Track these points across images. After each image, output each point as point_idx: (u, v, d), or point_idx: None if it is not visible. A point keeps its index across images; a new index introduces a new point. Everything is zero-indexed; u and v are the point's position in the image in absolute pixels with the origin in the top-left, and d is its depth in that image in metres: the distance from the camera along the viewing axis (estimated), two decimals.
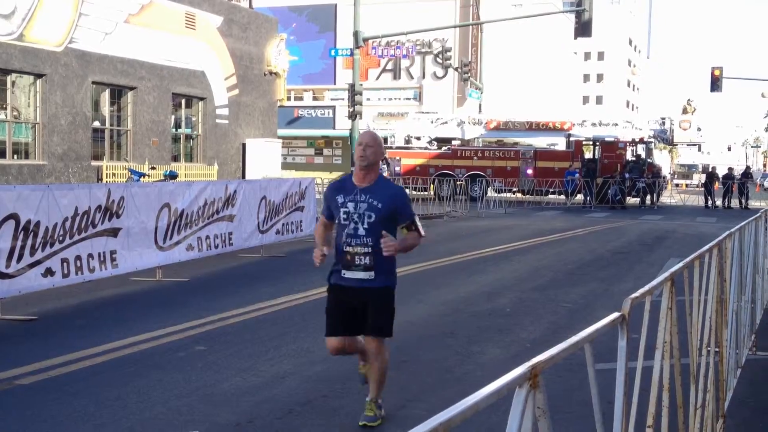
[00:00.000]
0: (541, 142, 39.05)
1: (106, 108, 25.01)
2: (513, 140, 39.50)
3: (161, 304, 9.43)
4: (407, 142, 38.86)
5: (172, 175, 22.50)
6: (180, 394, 5.88)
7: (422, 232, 5.40)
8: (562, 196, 35.15)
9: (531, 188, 34.97)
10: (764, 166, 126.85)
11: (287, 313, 8.97)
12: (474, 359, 7.12)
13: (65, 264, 9.10)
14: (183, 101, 27.84)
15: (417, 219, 5.38)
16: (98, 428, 5.15)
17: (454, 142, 38.58)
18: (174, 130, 27.51)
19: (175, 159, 27.50)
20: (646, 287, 2.92)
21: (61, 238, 9.03)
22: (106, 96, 24.77)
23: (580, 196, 34.16)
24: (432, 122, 39.43)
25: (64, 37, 22.44)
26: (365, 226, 5.15)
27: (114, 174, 23.98)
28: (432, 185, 33.83)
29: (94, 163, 23.87)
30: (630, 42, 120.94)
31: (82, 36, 22.97)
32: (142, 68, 25.24)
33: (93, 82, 23.69)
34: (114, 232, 10.01)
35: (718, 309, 4.76)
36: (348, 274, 5.25)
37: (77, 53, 22.87)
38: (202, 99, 28.34)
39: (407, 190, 28.46)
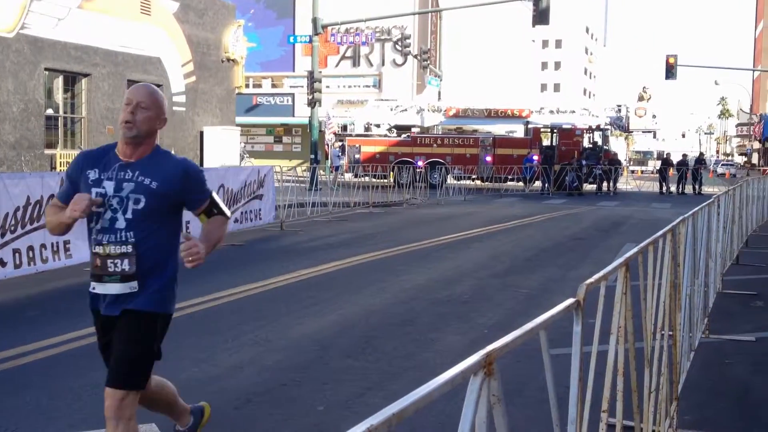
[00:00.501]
0: (499, 129, 39.29)
1: (59, 95, 24.53)
2: (472, 128, 39.66)
3: None
4: (367, 129, 38.81)
5: None
6: None
7: (227, 213, 4.04)
8: (521, 183, 35.43)
9: (490, 175, 35.18)
10: (717, 152, 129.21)
11: (245, 302, 8.91)
12: (432, 346, 7.14)
13: (17, 254, 8.93)
14: None
15: (216, 197, 4.01)
16: (51, 421, 5.06)
17: (413, 130, 38.63)
18: None
19: None
20: (601, 273, 2.94)
21: (12, 228, 8.85)
22: (59, 83, 24.29)
23: (538, 183, 34.47)
24: (391, 110, 39.42)
25: (15, 22, 21.91)
26: (128, 215, 3.65)
27: (68, 163, 23.51)
28: (392, 173, 33.84)
29: (48, 151, 23.42)
30: (587, 30, 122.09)
31: (34, 22, 22.46)
32: (96, 55, 24.78)
33: (46, 69, 23.21)
34: None
35: (671, 293, 4.83)
36: (99, 289, 3.77)
37: (29, 39, 22.37)
38: (158, 86, 27.86)
39: (367, 178, 28.61)
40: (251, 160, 38.00)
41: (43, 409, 5.26)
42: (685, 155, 39.41)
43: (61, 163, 23.35)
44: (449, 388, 1.58)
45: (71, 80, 24.59)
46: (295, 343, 7.11)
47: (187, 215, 4.12)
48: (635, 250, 3.81)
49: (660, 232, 4.59)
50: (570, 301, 2.49)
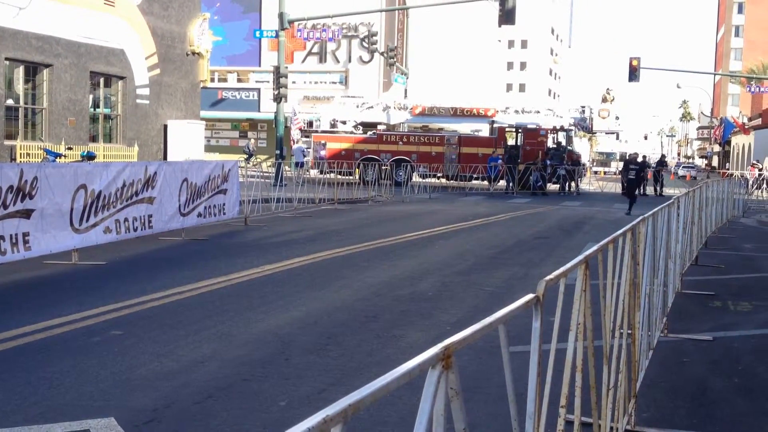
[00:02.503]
0: (465, 128, 39.44)
1: (20, 86, 24.10)
2: (438, 126, 39.77)
3: (76, 288, 9.17)
4: (333, 126, 38.72)
5: (90, 156, 21.89)
6: (94, 379, 5.73)
7: None
8: (486, 182, 35.61)
9: (455, 174, 35.30)
10: (678, 155, 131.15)
11: (208, 296, 8.84)
12: (395, 343, 7.15)
13: None
14: (102, 80, 27.04)
15: None
16: (6, 415, 4.97)
17: (379, 127, 38.62)
18: (92, 109, 26.71)
19: (94, 139, 26.73)
20: (561, 270, 2.97)
21: None
22: (20, 73, 23.87)
23: (502, 182, 34.68)
24: (358, 107, 39.38)
25: None
26: None
27: (28, 154, 23.18)
28: (357, 169, 33.79)
29: (7, 142, 23.01)
30: (552, 31, 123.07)
31: None
32: (58, 45, 24.39)
33: (6, 59, 22.79)
34: (27, 214, 9.68)
35: (630, 292, 4.89)
36: None
37: None
38: (121, 78, 27.59)
39: (332, 175, 28.56)
40: (257, 158, 37.81)
41: None
42: (645, 157, 39.94)
43: (21, 154, 22.96)
44: (406, 381, 1.58)
45: (32, 70, 24.18)
46: (258, 338, 7.08)
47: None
48: (595, 248, 3.85)
49: (620, 231, 4.64)
50: (529, 296, 2.51)
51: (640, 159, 28.24)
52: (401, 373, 1.57)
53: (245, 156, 35.39)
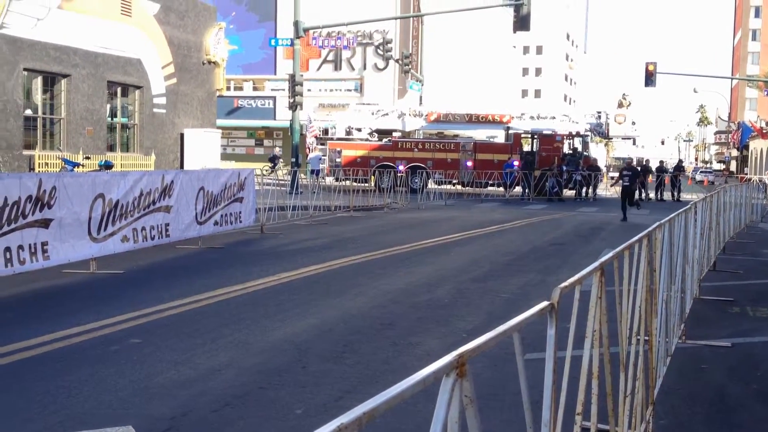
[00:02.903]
0: (480, 134, 39.42)
1: (38, 96, 24.35)
2: (453, 132, 39.77)
3: (95, 297, 9.23)
4: (348, 133, 38.79)
5: (108, 165, 22.07)
6: (112, 388, 5.77)
7: None
8: (501, 188, 35.54)
9: (471, 180, 35.27)
10: (696, 160, 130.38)
11: (225, 305, 8.88)
12: (411, 350, 7.15)
13: None
14: (119, 90, 27.27)
15: None
16: (26, 423, 5.02)
17: (394, 134, 38.67)
18: (110, 119, 26.94)
19: (111, 149, 26.95)
20: (576, 276, 2.97)
21: None
22: (38, 83, 24.11)
23: (518, 188, 34.60)
24: (373, 114, 39.44)
25: None
26: None
27: (47, 164, 23.39)
28: (372, 177, 33.84)
29: (26, 152, 23.24)
30: (568, 36, 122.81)
31: (13, 21, 22.30)
32: (76, 55, 24.63)
33: (25, 69, 23.03)
34: (45, 223, 9.76)
35: (647, 298, 4.87)
36: None
37: (8, 39, 22.19)
38: (138, 88, 27.80)
39: (348, 182, 28.57)
40: (280, 162, 37.98)
41: (18, 411, 5.22)
42: (662, 162, 39.74)
43: (39, 164, 23.17)
44: (421, 388, 1.59)
45: (50, 81, 24.42)
46: (274, 346, 7.10)
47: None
48: (611, 254, 3.84)
49: (636, 237, 4.63)
50: (544, 304, 2.51)
51: (635, 164, 27.10)
52: (415, 381, 1.58)
53: (270, 165, 35.28)
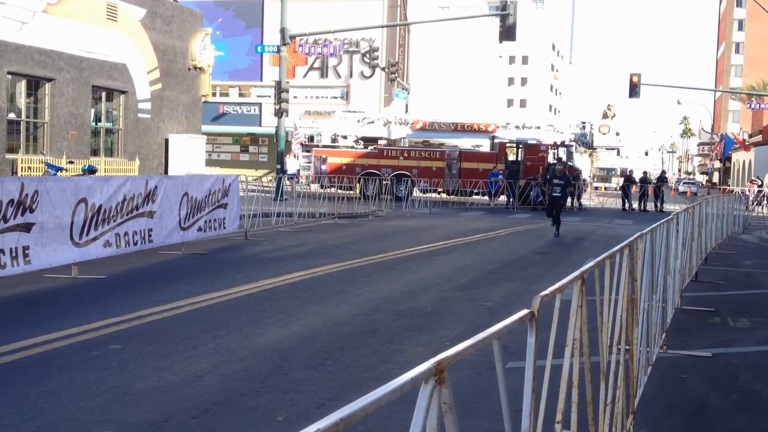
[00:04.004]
0: (466, 143, 39.52)
1: (22, 99, 24.19)
2: (438, 141, 39.84)
3: (76, 302, 9.17)
4: (334, 140, 38.80)
5: (91, 170, 21.95)
6: (92, 393, 5.73)
7: None
8: (486, 197, 35.64)
9: (456, 189, 35.35)
10: (679, 171, 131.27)
11: (207, 311, 8.84)
12: (394, 358, 7.14)
13: None
14: (103, 94, 27.15)
15: None
16: (4, 429, 4.97)
17: (380, 142, 38.70)
18: (94, 123, 26.80)
19: (95, 153, 26.81)
20: (557, 285, 2.98)
21: None
22: (22, 87, 23.96)
23: (503, 197, 34.70)
24: (359, 121, 39.47)
25: None
26: None
27: (30, 168, 23.23)
28: (358, 184, 33.85)
29: (9, 156, 23.07)
30: (553, 47, 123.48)
31: None
32: (60, 59, 24.50)
33: (9, 73, 22.89)
34: (27, 227, 9.70)
35: (628, 308, 4.89)
36: None
37: None
38: (123, 92, 27.69)
39: (333, 189, 28.55)
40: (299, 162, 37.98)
41: None
42: (646, 173, 39.99)
43: (22, 168, 23.02)
44: (398, 395, 1.60)
45: (34, 84, 24.27)
46: (256, 353, 7.07)
47: None
48: (591, 264, 3.86)
49: (617, 247, 4.65)
50: (524, 312, 2.52)
51: (560, 167, 22.77)
52: (393, 388, 1.58)
53: (287, 177, 33.28)
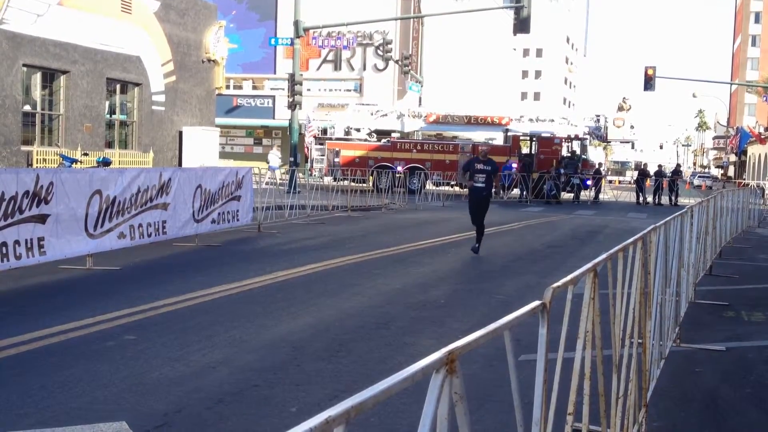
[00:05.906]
0: (479, 136, 39.45)
1: (37, 92, 24.34)
2: (452, 134, 39.80)
3: (90, 293, 9.23)
4: (347, 133, 38.81)
5: (106, 162, 22.06)
6: (107, 383, 5.78)
7: None
8: (499, 191, 35.58)
9: None
10: (694, 164, 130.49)
11: (221, 302, 8.88)
12: (406, 350, 7.16)
13: None
14: (118, 86, 27.26)
15: None
16: (21, 418, 5.03)
17: (393, 135, 38.69)
18: (108, 116, 26.93)
19: (109, 145, 26.94)
20: (569, 277, 2.98)
21: None
22: (37, 79, 24.10)
23: (516, 191, 34.62)
24: (372, 114, 39.47)
25: None
26: None
27: (45, 160, 23.37)
28: (371, 177, 33.86)
29: (24, 148, 23.22)
30: (567, 40, 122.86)
31: (13, 17, 22.28)
32: (75, 52, 24.61)
33: (24, 65, 23.02)
34: (42, 219, 9.76)
35: (641, 301, 4.88)
36: None
37: (8, 35, 22.18)
38: (137, 85, 27.79)
39: (346, 182, 28.59)
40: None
41: (13, 406, 5.22)
42: (660, 166, 39.77)
43: (37, 159, 23.16)
44: (409, 384, 1.60)
45: (49, 77, 24.40)
46: (269, 344, 7.11)
47: None
48: (604, 256, 3.85)
49: (630, 240, 4.64)
50: (535, 303, 2.53)
51: (484, 148, 17.89)
52: (404, 377, 1.59)
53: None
